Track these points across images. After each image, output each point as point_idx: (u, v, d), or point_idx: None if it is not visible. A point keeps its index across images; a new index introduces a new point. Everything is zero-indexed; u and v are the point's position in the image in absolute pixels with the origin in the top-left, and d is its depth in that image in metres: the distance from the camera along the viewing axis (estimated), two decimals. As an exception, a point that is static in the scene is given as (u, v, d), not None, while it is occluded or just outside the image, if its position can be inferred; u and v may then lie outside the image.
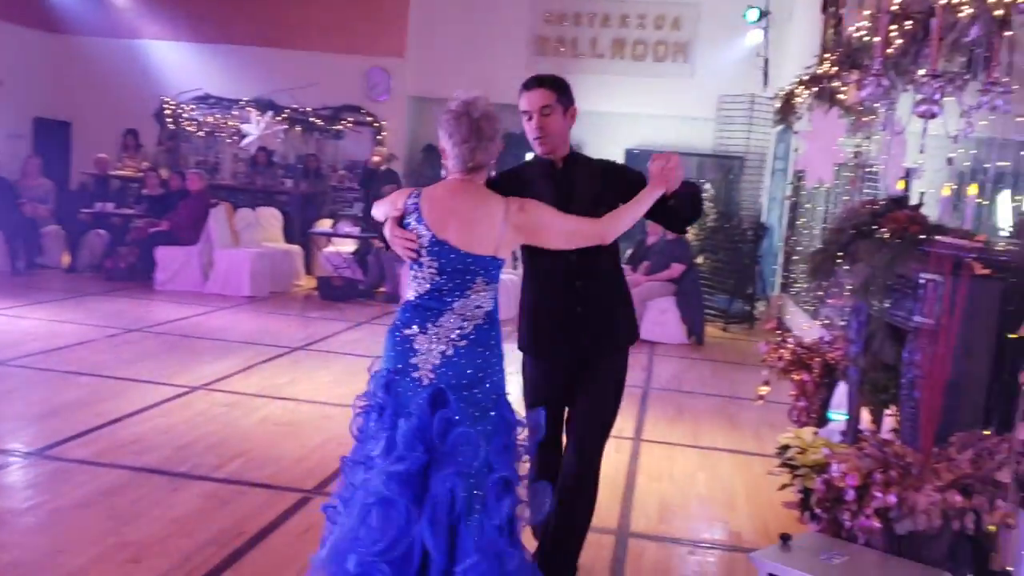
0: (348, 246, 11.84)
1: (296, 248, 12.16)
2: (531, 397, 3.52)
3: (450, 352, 3.02)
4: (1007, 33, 4.12)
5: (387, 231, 3.23)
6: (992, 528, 3.39)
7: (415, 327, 3.06)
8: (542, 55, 14.23)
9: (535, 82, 3.38)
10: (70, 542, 3.82)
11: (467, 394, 2.99)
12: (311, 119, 14.71)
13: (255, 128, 14.44)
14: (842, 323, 6.97)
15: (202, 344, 7.96)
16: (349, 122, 14.77)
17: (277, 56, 14.49)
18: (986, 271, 3.58)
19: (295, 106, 14.52)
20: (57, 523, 4.02)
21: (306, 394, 6.49)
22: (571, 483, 3.39)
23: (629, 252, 10.32)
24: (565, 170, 3.44)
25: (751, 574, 3.95)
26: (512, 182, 3.38)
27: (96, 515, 4.12)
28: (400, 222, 3.16)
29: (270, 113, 14.52)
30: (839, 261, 4.36)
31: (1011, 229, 4.91)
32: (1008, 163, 4.52)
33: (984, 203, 4.84)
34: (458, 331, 3.03)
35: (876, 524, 3.28)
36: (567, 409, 3.52)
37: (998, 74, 4.17)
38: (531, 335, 3.51)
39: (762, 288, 11.51)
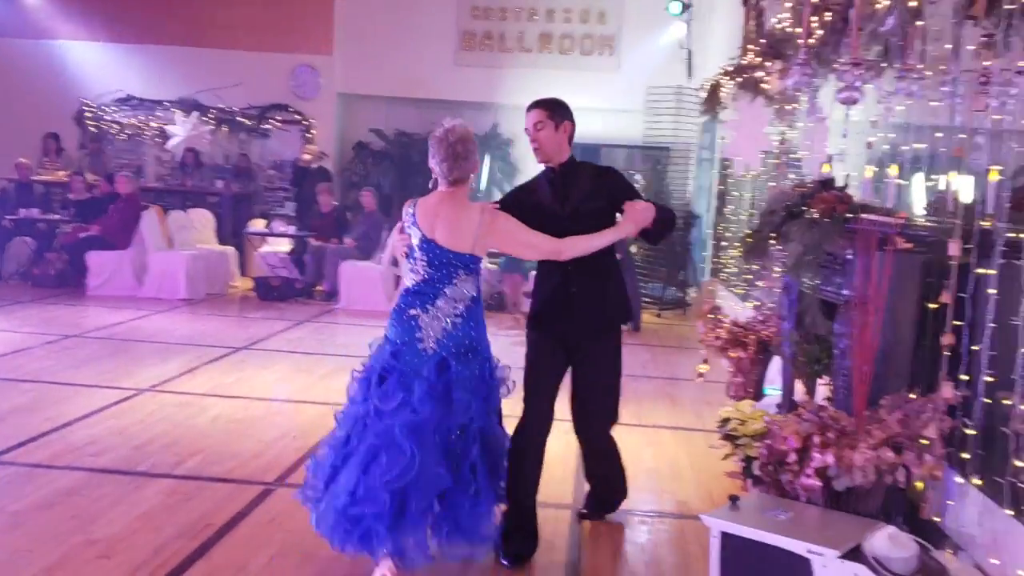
0: (283, 246, 11.83)
1: (231, 249, 12.10)
2: (532, 369, 4.01)
3: (449, 327, 3.67)
4: (920, 23, 4.41)
5: (394, 235, 3.92)
6: (919, 484, 3.67)
7: (417, 309, 3.70)
8: (469, 50, 14.38)
9: (531, 104, 4.09)
10: (36, 542, 3.86)
11: (463, 360, 3.67)
12: (238, 119, 14.63)
13: (180, 129, 14.31)
14: (771, 303, 7.30)
15: (143, 347, 7.93)
16: (277, 121, 14.72)
17: (200, 56, 14.35)
18: (908, 246, 3.85)
19: (221, 106, 14.42)
20: (20, 524, 4.05)
21: (255, 392, 6.55)
22: (601, 460, 4.29)
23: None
24: (562, 174, 4.04)
25: (699, 539, 4.19)
26: (518, 193, 4.20)
27: (59, 515, 4.16)
28: (402, 229, 3.82)
29: (196, 114, 14.41)
30: (772, 242, 4.61)
31: (926, 207, 5.22)
32: (924, 145, 4.81)
33: (903, 183, 5.13)
34: (453, 311, 3.69)
35: (816, 482, 3.52)
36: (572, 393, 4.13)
37: (913, 61, 4.46)
38: (534, 312, 4.11)
39: (693, 275, 11.84)
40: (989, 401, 3.58)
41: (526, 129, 4.07)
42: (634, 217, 3.87)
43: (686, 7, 12.53)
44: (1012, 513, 3.32)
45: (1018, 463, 3.27)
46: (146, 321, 9.20)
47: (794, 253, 4.22)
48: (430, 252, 3.69)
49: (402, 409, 3.54)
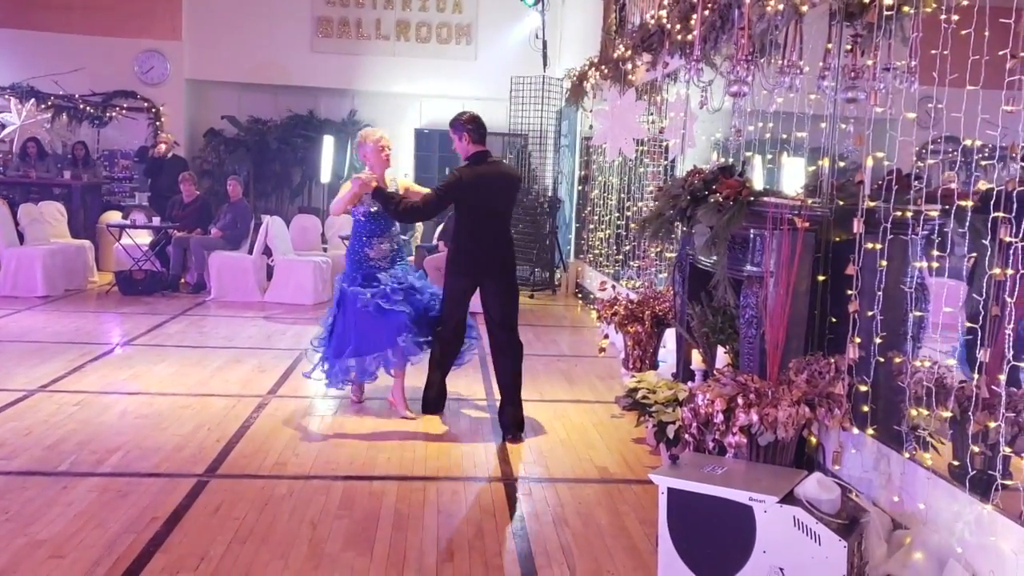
0: (143, 238, 11.47)
1: (87, 243, 11.61)
2: (450, 300, 5.80)
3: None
4: (800, 24, 4.88)
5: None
6: (813, 440, 4.17)
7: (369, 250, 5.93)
8: (326, 36, 14.30)
9: (449, 123, 5.95)
10: (-21, 547, 3.78)
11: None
12: (80, 106, 14.00)
13: (15, 117, 13.60)
14: (648, 282, 7.78)
15: (16, 347, 7.60)
16: (123, 108, 14.19)
17: (36, 39, 13.70)
18: (806, 224, 4.31)
19: (60, 92, 13.77)
20: (-46, 531, 3.94)
21: (154, 388, 6.45)
22: (508, 343, 5.81)
23: (440, 228, 10.76)
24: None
25: (626, 499, 4.56)
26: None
27: (-7, 520, 4.07)
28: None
29: (32, 101, 13.71)
30: (676, 225, 5.00)
31: (802, 189, 5.75)
32: (804, 134, 5.30)
33: (782, 168, 5.63)
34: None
35: (743, 439, 3.92)
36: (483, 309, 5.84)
37: (794, 57, 4.94)
38: (456, 261, 5.76)
39: (559, 257, 12.28)
40: (881, 360, 4.07)
41: None
42: (352, 181, 5.80)
43: (539, -1, 12.92)
44: (908, 456, 3.82)
45: (914, 412, 3.76)
46: (8, 320, 8.78)
47: (703, 235, 4.62)
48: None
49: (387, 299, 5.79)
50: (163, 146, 12.94)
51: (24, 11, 13.70)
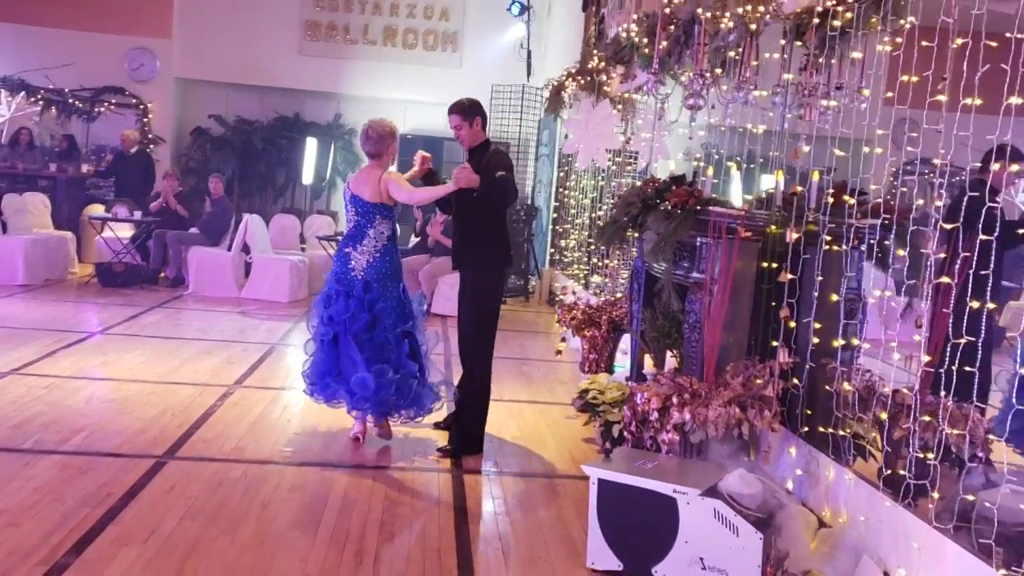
0: (124, 231, 11.60)
1: (69, 234, 11.75)
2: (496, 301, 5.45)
3: (373, 260, 5.23)
4: (756, 42, 5.09)
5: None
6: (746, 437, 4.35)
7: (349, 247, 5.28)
8: (314, 39, 14.48)
9: (449, 109, 5.35)
10: (-62, 516, 3.93)
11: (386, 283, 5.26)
12: (69, 100, 14.13)
13: (5, 110, 13.73)
14: (610, 289, 7.97)
15: (-9, 332, 7.74)
16: (112, 104, 14.31)
17: (28, 34, 13.82)
18: (748, 234, 4.50)
19: (51, 86, 13.90)
20: (-85, 501, 4.08)
21: (123, 375, 6.59)
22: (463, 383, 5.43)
23: (418, 224, 11.07)
24: (472, 155, 5.31)
25: (568, 494, 4.73)
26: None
27: (-47, 491, 4.21)
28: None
29: (23, 94, 13.84)
30: (629, 231, 5.19)
31: (753, 200, 5.95)
32: (758, 148, 5.51)
33: (735, 180, 5.86)
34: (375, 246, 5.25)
35: (675, 437, 4.10)
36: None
37: (749, 74, 5.15)
38: (500, 255, 5.35)
39: (534, 264, 12.47)
40: (813, 365, 4.26)
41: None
42: (456, 176, 4.99)
43: (525, 9, 13.12)
44: (833, 457, 4.00)
45: (838, 415, 3.95)
46: (-14, 307, 8.92)
47: (651, 241, 4.81)
48: (355, 204, 5.25)
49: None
50: (130, 142, 13.13)
51: (16, 5, 13.83)
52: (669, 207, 4.80)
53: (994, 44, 3.17)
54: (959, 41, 3.30)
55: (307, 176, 14.12)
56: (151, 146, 14.09)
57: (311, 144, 13.99)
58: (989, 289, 3.12)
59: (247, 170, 14.69)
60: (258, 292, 10.66)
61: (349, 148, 14.71)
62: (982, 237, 3.13)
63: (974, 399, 3.33)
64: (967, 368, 3.22)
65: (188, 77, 14.49)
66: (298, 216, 12.98)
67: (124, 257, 11.07)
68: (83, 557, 3.62)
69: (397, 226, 5.46)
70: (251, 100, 14.62)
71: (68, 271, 11.44)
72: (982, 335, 3.18)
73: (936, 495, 3.23)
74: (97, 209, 12.46)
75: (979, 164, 4.35)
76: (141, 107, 14.33)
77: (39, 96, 13.95)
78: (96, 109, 14.24)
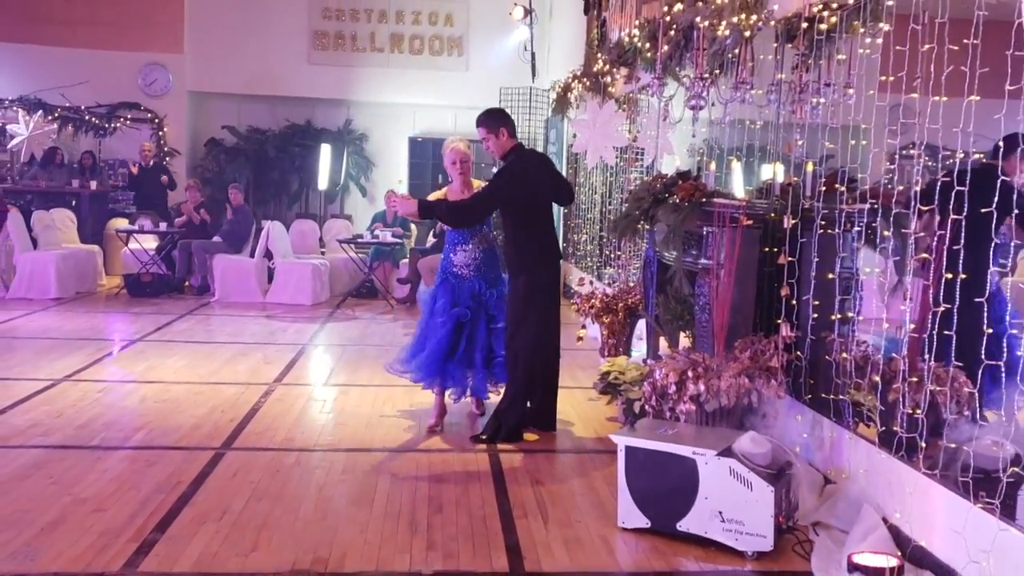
0: (149, 243, 12.05)
1: (96, 248, 12.22)
2: (554, 303, 5.81)
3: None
4: (750, 45, 5.50)
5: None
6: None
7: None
8: (323, 49, 14.90)
9: (476, 122, 5.68)
10: (31, 503, 4.35)
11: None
12: (86, 117, 14.56)
13: (23, 128, 14.16)
14: (623, 279, 8.38)
15: (37, 343, 8.19)
16: (127, 119, 14.75)
17: (43, 54, 14.26)
18: (750, 222, 4.92)
19: (67, 104, 14.34)
20: (5, 493, 4.49)
21: (169, 378, 7.04)
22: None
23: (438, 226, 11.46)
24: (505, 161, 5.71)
25: (597, 467, 5.15)
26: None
27: (39, 483, 4.64)
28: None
29: (40, 112, 14.27)
30: (641, 223, 5.61)
31: (753, 190, 6.37)
32: (756, 142, 5.93)
33: (736, 173, 6.27)
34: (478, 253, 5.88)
35: (692, 407, 4.52)
36: None
37: (746, 74, 5.55)
38: (546, 258, 5.72)
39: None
40: (814, 338, 4.67)
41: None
42: (389, 206, 5.70)
43: (528, 12, 13.53)
44: (835, 420, 4.42)
45: (838, 382, 4.36)
46: (26, 320, 9.37)
47: (662, 232, 5.23)
48: None
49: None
50: (146, 155, 13.58)
51: (32, 26, 14.28)
52: (677, 200, 5.21)
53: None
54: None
55: (322, 182, 14.56)
56: (167, 159, 14.54)
57: (325, 151, 14.43)
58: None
59: (261, 178, 15.13)
60: (282, 296, 11.10)
61: (360, 153, 15.14)
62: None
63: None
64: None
65: (201, 90, 14.93)
66: (315, 221, 13.42)
67: (151, 268, 11.52)
68: (167, 534, 4.05)
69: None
70: (262, 110, 15.06)
71: (97, 284, 11.91)
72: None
73: (923, 445, 3.65)
74: (121, 223, 12.92)
75: (992, 150, 4.72)
76: (156, 121, 14.77)
77: (56, 114, 14.40)
78: (112, 125, 14.68)
